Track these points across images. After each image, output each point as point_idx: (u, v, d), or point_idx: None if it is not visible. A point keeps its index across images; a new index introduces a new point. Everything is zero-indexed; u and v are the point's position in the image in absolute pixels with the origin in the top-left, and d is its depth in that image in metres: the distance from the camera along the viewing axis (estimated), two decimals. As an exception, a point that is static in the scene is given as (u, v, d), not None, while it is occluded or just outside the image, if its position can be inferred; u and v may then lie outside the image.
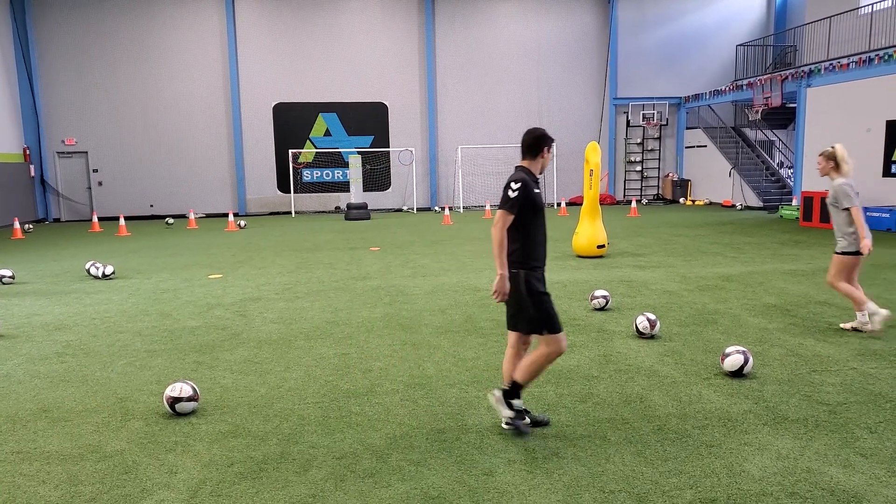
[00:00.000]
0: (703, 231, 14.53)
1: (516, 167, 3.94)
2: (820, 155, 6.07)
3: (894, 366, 5.01)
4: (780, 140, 23.66)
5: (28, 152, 21.33)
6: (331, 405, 4.49)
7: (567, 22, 23.89)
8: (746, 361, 4.77)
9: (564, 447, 3.72)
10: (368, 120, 23.43)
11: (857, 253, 5.98)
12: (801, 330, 6.09)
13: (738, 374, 4.77)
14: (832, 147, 5.98)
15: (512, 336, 4.06)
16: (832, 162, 5.96)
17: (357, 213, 20.02)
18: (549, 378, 4.91)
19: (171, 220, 16.49)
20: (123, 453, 3.80)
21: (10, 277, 9.74)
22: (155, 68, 22.03)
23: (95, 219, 19.02)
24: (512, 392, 3.92)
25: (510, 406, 3.92)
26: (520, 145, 4.02)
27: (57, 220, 22.10)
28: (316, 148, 23.23)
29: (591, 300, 7.18)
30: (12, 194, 20.32)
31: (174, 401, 4.32)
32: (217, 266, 11.03)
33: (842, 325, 6.16)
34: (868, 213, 14.68)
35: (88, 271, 10.12)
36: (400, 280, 9.30)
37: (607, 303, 7.11)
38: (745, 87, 21.13)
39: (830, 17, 18.75)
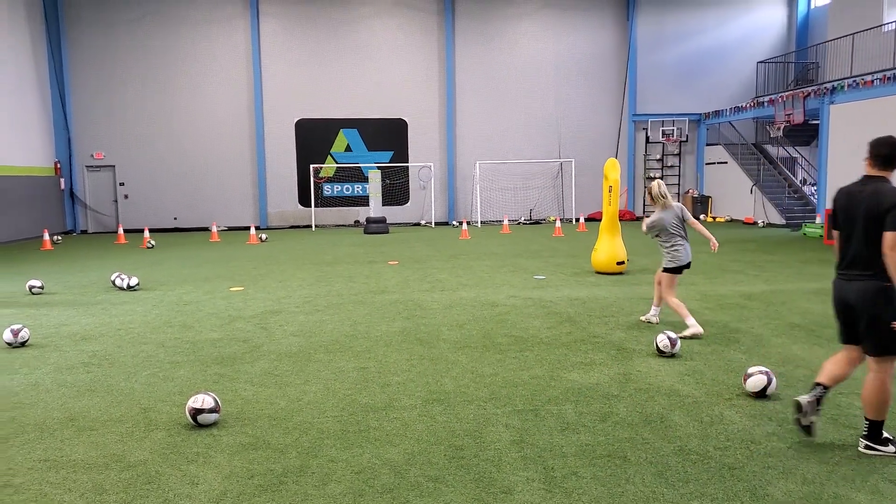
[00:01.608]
0: (724, 248, 14.40)
1: (869, 177, 3.67)
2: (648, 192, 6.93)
3: (921, 389, 4.91)
4: (802, 157, 23.41)
5: (59, 166, 21.85)
6: (349, 419, 4.52)
7: (586, 39, 23.98)
8: (770, 382, 4.71)
9: (584, 467, 3.70)
10: (388, 135, 23.64)
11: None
12: (827, 351, 6.00)
13: (761, 394, 4.72)
14: (657, 183, 6.94)
15: (852, 350, 3.91)
16: (661, 199, 6.81)
17: (376, 227, 20.16)
18: (569, 396, 4.90)
19: (152, 242, 16.57)
20: (147, 463, 3.86)
21: (39, 288, 9.96)
22: (181, 84, 22.50)
23: (121, 231, 19.37)
24: (873, 432, 3.78)
25: (886, 442, 3.77)
26: (877, 155, 3.65)
27: (84, 232, 22.54)
28: (336, 163, 23.48)
29: (659, 343, 5.94)
30: (43, 206, 20.82)
31: (196, 412, 4.38)
32: (238, 279, 11.16)
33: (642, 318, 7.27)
34: None
35: (114, 282, 10.30)
36: (418, 294, 9.33)
37: (673, 346, 5.84)
38: (766, 104, 20.98)
39: (853, 33, 18.60)
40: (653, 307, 7.31)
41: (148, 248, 16.47)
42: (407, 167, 23.72)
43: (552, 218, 23.82)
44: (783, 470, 3.61)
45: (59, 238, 19.13)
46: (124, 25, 22.03)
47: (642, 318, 7.39)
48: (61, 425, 4.49)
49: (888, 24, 18.08)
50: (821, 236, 16.20)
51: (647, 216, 7.03)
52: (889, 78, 15.65)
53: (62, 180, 21.94)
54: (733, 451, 3.87)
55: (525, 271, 11.43)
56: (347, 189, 23.75)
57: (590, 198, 23.79)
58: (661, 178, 25.05)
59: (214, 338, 6.96)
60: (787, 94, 20.04)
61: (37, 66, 21.00)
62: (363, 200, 23.14)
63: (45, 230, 17.90)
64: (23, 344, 6.70)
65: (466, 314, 7.93)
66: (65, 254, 15.88)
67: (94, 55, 22.01)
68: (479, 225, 22.94)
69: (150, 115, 22.44)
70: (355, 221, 23.61)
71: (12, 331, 6.67)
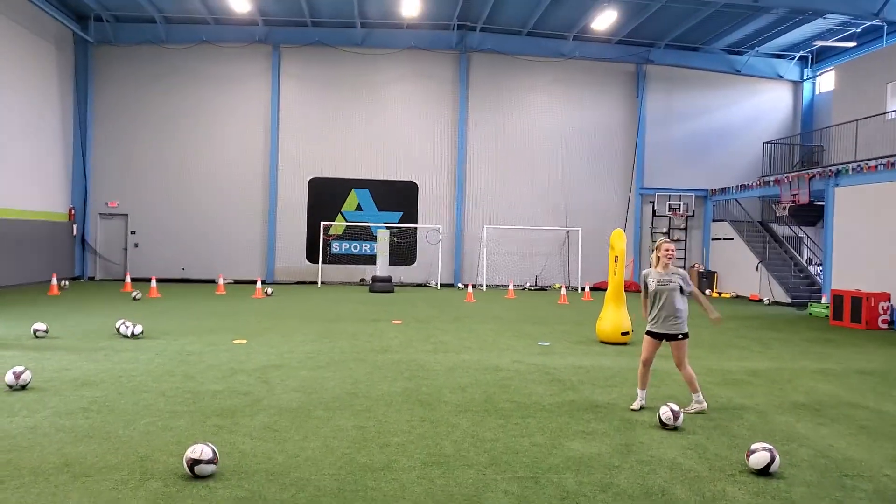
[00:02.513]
0: (729, 324, 14.34)
1: None
2: (671, 244, 6.75)
3: (929, 475, 4.83)
4: (808, 237, 23.57)
5: (73, 212, 22.24)
6: (347, 478, 4.46)
7: (596, 112, 24.66)
8: (773, 460, 4.65)
9: (583, 537, 3.63)
10: (399, 197, 24.05)
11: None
12: (831, 431, 5.92)
13: (764, 472, 4.65)
14: (669, 240, 6.90)
15: None
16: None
17: (382, 285, 20.22)
18: (569, 465, 4.84)
19: (138, 294, 16.31)
20: (140, 513, 3.81)
21: (43, 331, 10.01)
22: (199, 138, 23.14)
23: (129, 279, 19.51)
24: None
25: None
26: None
27: (91, 279, 22.70)
28: (347, 221, 23.81)
29: (662, 415, 5.95)
30: (53, 251, 21.07)
31: (194, 462, 4.35)
32: (242, 332, 11.18)
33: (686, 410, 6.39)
34: (900, 315, 14.47)
35: (118, 330, 10.33)
36: (421, 355, 9.31)
37: (676, 418, 5.87)
38: (772, 184, 21.32)
39: (857, 120, 19.10)
40: (640, 391, 6.68)
41: (134, 299, 15.96)
42: (416, 228, 24.01)
43: (557, 285, 23.85)
44: (787, 551, 3.53)
45: (67, 283, 19.27)
46: (150, 81, 22.86)
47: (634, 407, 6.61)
48: (57, 470, 4.46)
49: (891, 111, 18.58)
50: (826, 316, 16.14)
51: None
52: (893, 164, 15.96)
53: (75, 226, 22.29)
54: (736, 529, 3.79)
55: (529, 337, 11.41)
56: (356, 247, 23.98)
57: (596, 267, 23.89)
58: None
59: (215, 389, 6.93)
60: (792, 174, 20.39)
61: (62, 115, 21.72)
62: (370, 259, 23.31)
63: (54, 275, 18.05)
64: (24, 387, 6.70)
65: (469, 377, 7.89)
66: (71, 299, 15.97)
67: (118, 107, 22.77)
68: (485, 288, 22.99)
69: (166, 166, 22.99)
70: (361, 280, 23.72)
71: (14, 373, 6.68)
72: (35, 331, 9.96)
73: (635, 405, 6.59)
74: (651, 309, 6.60)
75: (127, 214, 22.93)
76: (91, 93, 22.61)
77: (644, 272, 6.74)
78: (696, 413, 6.43)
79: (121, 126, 22.81)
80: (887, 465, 5.04)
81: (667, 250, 6.59)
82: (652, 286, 6.55)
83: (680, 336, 6.47)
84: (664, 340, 6.54)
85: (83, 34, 21.81)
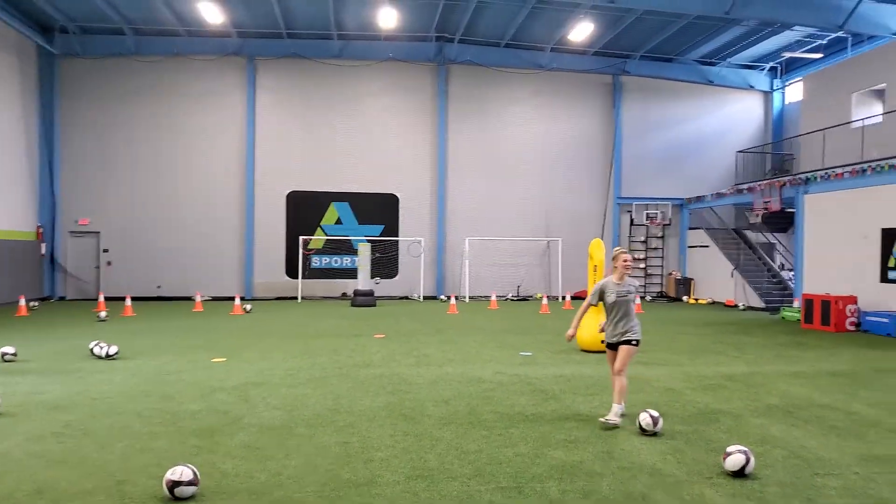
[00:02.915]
0: (706, 330, 14.55)
1: None
2: (626, 255, 6.57)
3: (900, 473, 4.96)
4: (780, 243, 24.04)
5: (41, 231, 21.83)
6: (331, 494, 4.45)
7: (574, 124, 24.96)
8: (748, 462, 4.75)
9: (566, 546, 3.66)
10: (379, 210, 24.05)
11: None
12: (804, 432, 6.04)
13: (739, 474, 4.74)
14: (626, 251, 6.61)
15: None
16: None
17: (363, 299, 20.16)
18: (552, 473, 4.87)
19: (104, 314, 15.56)
20: (119, 537, 3.76)
21: (12, 355, 9.77)
22: (173, 153, 22.90)
23: (102, 298, 19.19)
24: None
25: None
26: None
27: (62, 299, 22.28)
28: (326, 235, 23.72)
29: (641, 420, 6.01)
30: (21, 271, 20.58)
31: (174, 484, 4.30)
32: (221, 349, 11.06)
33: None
34: (868, 318, 14.83)
35: (92, 351, 10.15)
36: (403, 369, 9.30)
37: (655, 424, 5.93)
38: (745, 192, 21.74)
39: (824, 129, 19.59)
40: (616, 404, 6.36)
41: (99, 320, 15.33)
42: (397, 241, 24.01)
43: (539, 295, 23.99)
44: (765, 553, 3.60)
45: (36, 304, 18.86)
46: (119, 96, 22.48)
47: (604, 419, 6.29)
48: (29, 498, 4.38)
49: (856, 121, 19.10)
50: (798, 320, 16.45)
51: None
52: (858, 171, 16.40)
53: (43, 245, 21.85)
54: (715, 533, 3.86)
55: (512, 348, 11.45)
56: (336, 261, 23.89)
57: (576, 276, 24.08)
58: (645, 259, 25.52)
59: (194, 409, 6.86)
60: (764, 182, 20.82)
61: (27, 130, 21.15)
62: (351, 273, 23.23)
63: (22, 296, 17.65)
64: (-3, 411, 6.56)
65: (452, 390, 7.90)
66: (41, 320, 15.67)
67: (86, 121, 22.38)
68: (468, 300, 23.02)
69: (139, 182, 22.69)
70: (343, 294, 23.61)
71: (-13, 397, 6.54)
72: (3, 354, 9.71)
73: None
74: (608, 321, 6.53)
75: (99, 232, 22.57)
76: (57, 107, 22.21)
77: (601, 283, 6.62)
78: (612, 427, 6.10)
79: (90, 141, 22.45)
80: (856, 463, 5.16)
81: (625, 261, 6.49)
82: (611, 298, 6.44)
83: (633, 342, 6.37)
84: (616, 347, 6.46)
85: (48, 46, 21.29)
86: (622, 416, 6.34)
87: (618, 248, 6.69)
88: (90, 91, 22.46)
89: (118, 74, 22.55)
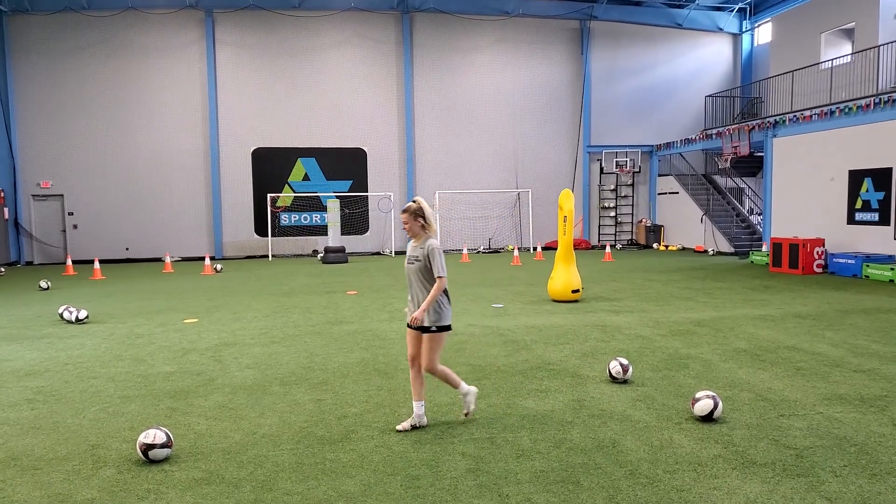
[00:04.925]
0: (675, 276, 14.82)
1: None
2: (403, 212, 4.94)
3: (858, 410, 5.15)
4: (749, 188, 24.38)
5: (3, 195, 21.13)
6: (305, 451, 4.48)
7: (542, 72, 24.63)
8: (716, 406, 4.87)
9: (538, 493, 3.76)
10: (347, 165, 23.70)
11: (449, 327, 4.94)
12: (770, 375, 6.23)
13: (708, 418, 4.87)
14: (415, 201, 4.96)
15: None
16: (420, 219, 4.89)
17: (334, 256, 20.06)
18: (524, 423, 4.96)
19: (44, 284, 14.78)
20: (94, 502, 3.75)
21: (-21, 322, 9.57)
22: (134, 112, 22.16)
23: (70, 262, 18.78)
24: None
25: None
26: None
27: (30, 263, 21.76)
28: (294, 192, 23.36)
29: (612, 368, 6.04)
30: (-16, 237, 20.05)
31: (147, 447, 4.28)
32: (192, 311, 10.95)
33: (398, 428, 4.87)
34: (834, 260, 15.17)
35: (62, 315, 9.98)
36: (377, 324, 9.32)
37: (625, 372, 5.99)
38: (714, 137, 21.86)
39: (793, 70, 19.64)
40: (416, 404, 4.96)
41: (41, 288, 14.37)
42: (367, 196, 23.76)
43: (510, 247, 24.11)
44: (728, 491, 3.74)
45: (2, 270, 18.42)
46: (73, 52, 21.64)
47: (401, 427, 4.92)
48: (3, 465, 4.33)
49: (825, 62, 19.16)
50: (766, 264, 16.83)
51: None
52: (826, 113, 16.54)
53: (6, 210, 21.21)
54: (681, 473, 3.99)
55: (484, 300, 11.54)
56: (305, 218, 23.62)
57: (547, 227, 24.21)
58: (615, 207, 25.69)
59: (167, 371, 6.81)
60: (733, 127, 20.93)
61: (-20, 93, 20.39)
62: (322, 230, 23.02)
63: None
64: (-38, 381, 6.43)
65: (425, 343, 7.94)
66: (8, 286, 15.30)
67: (40, 80, 21.51)
68: (439, 254, 23.06)
69: (101, 143, 22.00)
70: (314, 251, 23.45)
71: (-49, 367, 6.40)
72: (-29, 322, 9.51)
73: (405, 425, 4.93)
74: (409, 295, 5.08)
75: (62, 195, 21.94)
76: (9, 66, 21.26)
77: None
78: (412, 428, 4.90)
79: (46, 101, 21.60)
80: (820, 403, 5.35)
81: (404, 222, 4.99)
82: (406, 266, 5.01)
83: (433, 328, 4.87)
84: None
85: (-5, 3, 20.31)
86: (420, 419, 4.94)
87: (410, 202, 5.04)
88: (43, 48, 21.49)
89: (71, 30, 21.61)
